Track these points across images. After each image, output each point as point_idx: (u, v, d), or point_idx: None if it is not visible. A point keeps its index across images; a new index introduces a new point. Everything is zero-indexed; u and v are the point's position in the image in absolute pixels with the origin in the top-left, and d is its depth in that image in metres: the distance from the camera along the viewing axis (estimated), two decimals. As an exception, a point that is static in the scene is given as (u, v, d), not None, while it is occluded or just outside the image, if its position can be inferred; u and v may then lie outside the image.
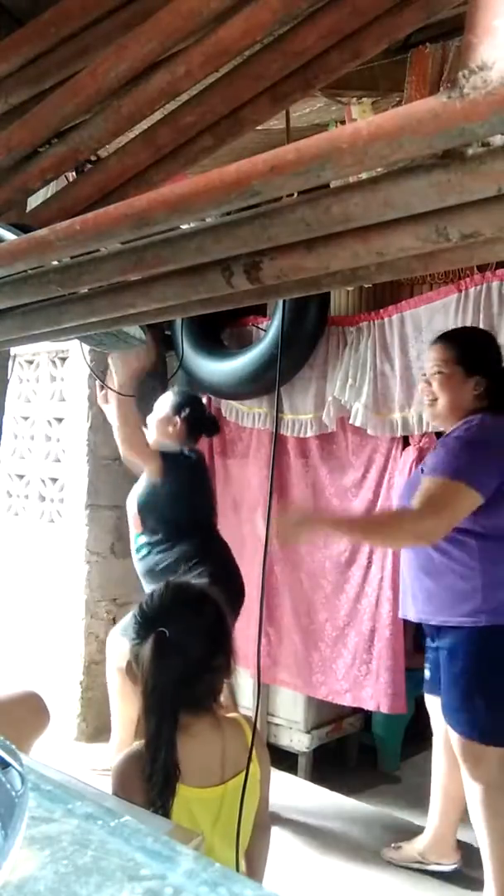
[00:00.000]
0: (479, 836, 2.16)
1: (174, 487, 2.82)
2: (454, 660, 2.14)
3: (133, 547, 2.96)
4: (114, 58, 1.20)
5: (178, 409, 2.90)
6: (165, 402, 2.94)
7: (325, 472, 3.12)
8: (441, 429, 2.69)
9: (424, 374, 2.24)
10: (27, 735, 1.69)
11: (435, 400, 2.18)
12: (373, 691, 2.91)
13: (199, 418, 2.98)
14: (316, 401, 3.07)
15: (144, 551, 2.88)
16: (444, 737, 2.34)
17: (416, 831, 2.65)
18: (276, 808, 2.80)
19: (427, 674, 2.38)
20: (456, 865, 2.43)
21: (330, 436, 3.09)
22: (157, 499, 2.83)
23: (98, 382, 3.00)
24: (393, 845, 2.54)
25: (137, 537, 2.91)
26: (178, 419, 2.89)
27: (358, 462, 3.02)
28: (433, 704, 2.38)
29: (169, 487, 2.81)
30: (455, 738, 2.15)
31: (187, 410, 2.91)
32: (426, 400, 2.23)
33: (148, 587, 2.86)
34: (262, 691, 3.22)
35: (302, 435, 3.13)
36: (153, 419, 2.92)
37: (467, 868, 2.41)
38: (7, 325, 1.36)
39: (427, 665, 2.37)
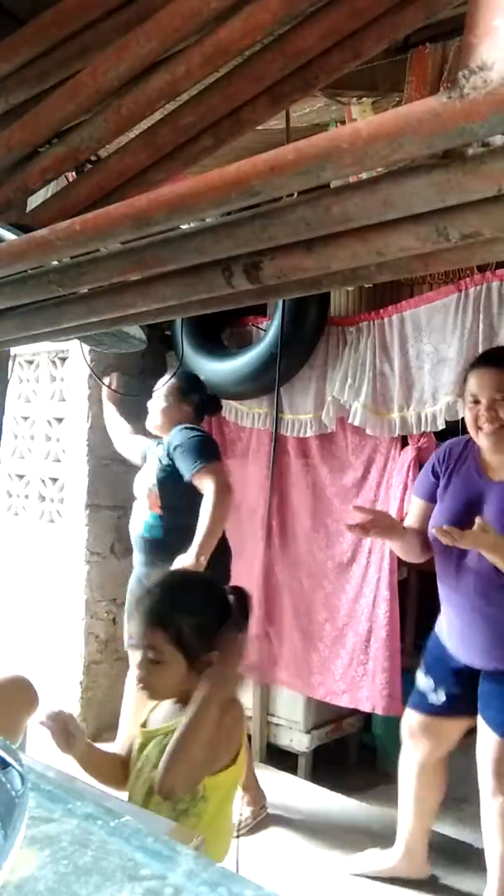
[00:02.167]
0: (491, 845, 2.15)
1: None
2: None
3: (143, 527, 2.83)
4: (114, 58, 1.20)
5: (185, 395, 2.84)
6: (169, 390, 2.85)
7: (326, 472, 3.12)
8: (439, 429, 2.70)
9: (477, 402, 2.10)
10: (17, 716, 1.70)
11: (503, 427, 2.08)
12: (369, 692, 2.91)
13: (206, 401, 2.93)
14: (316, 401, 3.07)
15: (158, 528, 2.77)
16: (424, 754, 2.33)
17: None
18: (277, 808, 2.80)
19: (441, 696, 2.27)
20: (426, 876, 2.42)
21: (330, 436, 3.09)
22: (174, 466, 2.73)
23: (105, 380, 2.97)
24: (360, 855, 2.49)
25: (153, 517, 2.80)
26: (187, 407, 2.83)
27: (358, 462, 3.02)
28: (441, 725, 2.30)
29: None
30: (495, 741, 2.10)
31: (196, 397, 2.86)
32: (488, 427, 2.08)
33: (160, 564, 2.77)
34: (263, 691, 3.22)
35: (302, 435, 3.13)
36: (158, 408, 2.83)
37: (470, 872, 2.41)
38: (7, 325, 1.36)
39: (442, 689, 2.27)
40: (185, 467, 2.65)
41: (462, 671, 2.21)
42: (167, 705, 1.56)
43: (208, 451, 2.70)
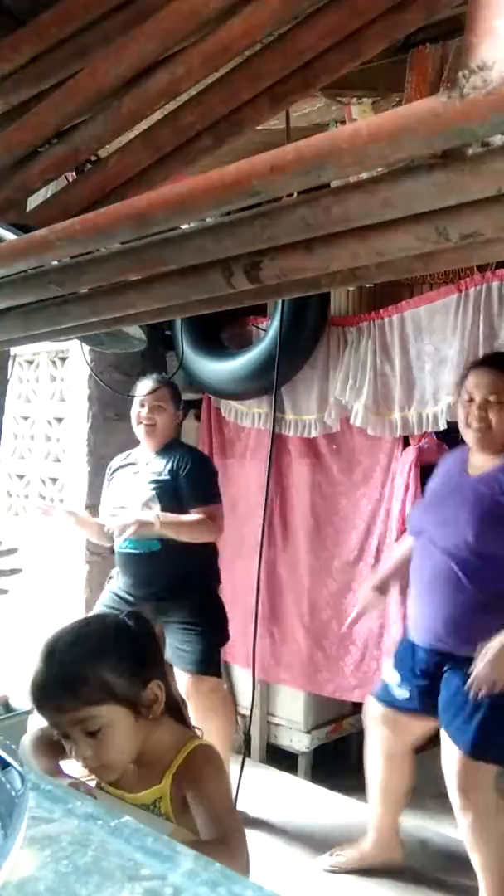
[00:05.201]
0: (473, 856, 2.13)
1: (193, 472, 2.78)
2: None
3: (137, 542, 2.75)
4: (114, 58, 1.20)
5: (177, 402, 2.91)
6: (161, 396, 2.85)
7: (332, 471, 3.11)
8: (441, 429, 2.71)
9: (471, 400, 2.18)
10: None
11: (489, 427, 2.16)
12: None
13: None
14: (319, 401, 3.07)
15: (156, 541, 2.72)
16: (387, 744, 2.35)
17: (416, 832, 2.64)
18: (277, 808, 2.80)
19: (404, 692, 2.26)
20: (402, 863, 2.44)
21: (332, 436, 3.09)
22: (177, 485, 2.74)
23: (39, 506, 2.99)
24: (331, 853, 2.50)
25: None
26: (179, 413, 2.93)
27: (362, 462, 3.02)
28: (402, 720, 2.30)
29: (190, 472, 2.76)
30: (459, 758, 2.07)
31: (182, 403, 2.95)
32: (476, 425, 2.17)
33: (166, 578, 2.72)
34: (263, 691, 3.22)
35: (305, 435, 3.13)
36: (157, 414, 2.83)
37: (470, 871, 2.40)
38: (7, 325, 1.36)
39: (406, 685, 2.26)
40: (191, 497, 2.72)
41: (428, 671, 2.21)
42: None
43: (216, 491, 2.81)
